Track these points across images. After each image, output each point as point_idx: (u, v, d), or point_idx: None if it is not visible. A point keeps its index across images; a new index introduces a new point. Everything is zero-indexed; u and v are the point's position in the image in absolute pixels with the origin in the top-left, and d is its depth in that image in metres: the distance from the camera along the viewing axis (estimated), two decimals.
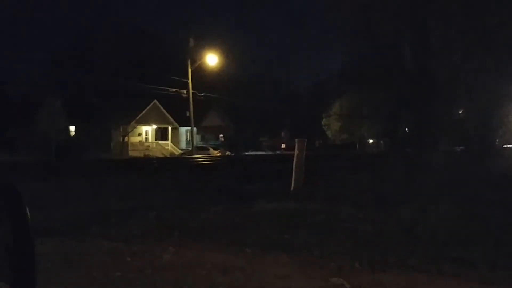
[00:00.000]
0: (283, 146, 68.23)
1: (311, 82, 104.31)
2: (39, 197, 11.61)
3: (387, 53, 16.20)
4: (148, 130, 58.15)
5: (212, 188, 15.81)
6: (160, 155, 51.23)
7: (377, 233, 8.46)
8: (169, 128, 58.66)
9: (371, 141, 67.16)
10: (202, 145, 58.52)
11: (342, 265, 6.51)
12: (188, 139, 58.37)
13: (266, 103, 65.46)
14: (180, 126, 59.42)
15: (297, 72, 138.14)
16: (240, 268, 6.35)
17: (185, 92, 47.01)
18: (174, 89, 46.87)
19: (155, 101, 55.04)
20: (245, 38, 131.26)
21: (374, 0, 15.82)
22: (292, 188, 14.66)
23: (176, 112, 55.78)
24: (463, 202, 10.74)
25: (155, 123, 57.31)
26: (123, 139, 54.58)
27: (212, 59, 46.82)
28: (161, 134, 58.54)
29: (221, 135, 70.27)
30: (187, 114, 48.34)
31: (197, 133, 60.10)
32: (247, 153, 57.15)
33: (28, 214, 1.74)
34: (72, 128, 54.37)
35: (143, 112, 55.20)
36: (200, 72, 48.88)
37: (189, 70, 46.52)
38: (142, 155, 50.83)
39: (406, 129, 17.37)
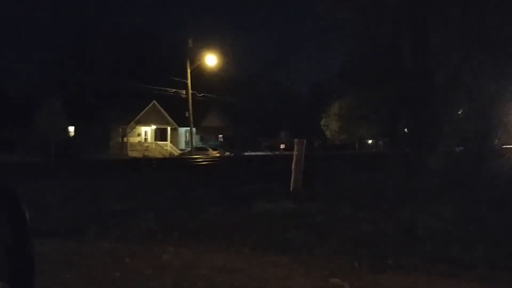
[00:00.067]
0: (282, 146, 68.29)
1: (310, 83, 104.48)
2: (39, 198, 11.62)
3: (386, 53, 16.20)
4: (147, 131, 58.17)
5: (211, 189, 15.80)
6: (159, 156, 51.24)
7: (376, 233, 8.45)
8: (168, 128, 58.67)
9: (370, 141, 67.20)
10: (201, 146, 58.55)
11: (342, 265, 6.50)
12: (187, 140, 58.36)
13: (265, 103, 65.51)
14: (179, 126, 59.44)
15: (297, 72, 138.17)
16: (239, 269, 6.34)
17: (184, 92, 47.04)
18: (174, 90, 46.92)
19: (154, 101, 55.07)
20: (244, 38, 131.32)
21: (373, 0, 15.82)
22: (291, 189, 14.65)
23: (176, 113, 55.80)
24: (462, 203, 10.74)
25: (154, 124, 57.32)
26: (123, 139, 54.60)
27: (211, 60, 46.88)
28: (160, 135, 58.56)
29: (220, 136, 70.30)
30: (186, 115, 48.37)
31: (196, 133, 60.13)
32: (246, 154, 57.17)
33: (27, 214, 1.73)
34: (71, 129, 54.40)
35: (143, 112, 55.21)
36: (200, 73, 48.93)
37: (188, 71, 46.54)
38: (141, 156, 50.79)
39: (406, 129, 17.37)
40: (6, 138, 45.91)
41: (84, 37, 62.18)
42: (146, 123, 56.41)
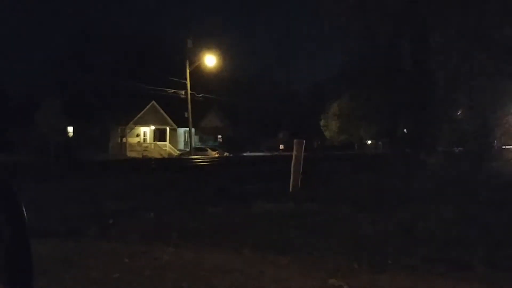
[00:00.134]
0: (281, 147, 68.25)
1: (310, 83, 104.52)
2: (38, 198, 11.60)
3: (386, 54, 16.21)
4: (146, 131, 58.15)
5: (211, 189, 15.80)
6: (158, 156, 51.25)
7: (376, 233, 8.45)
8: (167, 129, 58.65)
9: (369, 141, 67.20)
10: (200, 146, 58.54)
11: (341, 266, 6.49)
12: (186, 140, 58.35)
13: (264, 103, 65.53)
14: (179, 127, 59.42)
15: (296, 72, 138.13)
16: (239, 269, 6.33)
17: (183, 92, 47.06)
18: (173, 90, 46.93)
19: (153, 102, 55.04)
20: (244, 38, 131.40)
21: (374, 0, 15.83)
22: (290, 189, 14.65)
23: (175, 113, 55.78)
24: (462, 203, 10.73)
25: (154, 124, 57.30)
26: (122, 139, 54.59)
27: (210, 60, 46.89)
28: (159, 135, 58.53)
29: (219, 136, 70.29)
30: (186, 115, 48.38)
31: (195, 134, 60.14)
32: (245, 154, 57.17)
33: (25, 215, 1.72)
34: (70, 129, 54.37)
35: (142, 113, 55.19)
36: (199, 73, 48.93)
37: (187, 71, 46.56)
38: (140, 156, 50.84)
39: (405, 129, 17.37)
40: (5, 138, 45.92)
41: (84, 37, 62.18)
42: (145, 123, 56.40)
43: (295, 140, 15.65)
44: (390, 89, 16.27)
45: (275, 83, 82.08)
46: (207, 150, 55.13)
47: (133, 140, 56.03)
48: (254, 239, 8.16)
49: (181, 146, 62.20)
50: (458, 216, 9.40)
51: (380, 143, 58.30)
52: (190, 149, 50.72)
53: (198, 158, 43.84)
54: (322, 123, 65.38)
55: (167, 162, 41.42)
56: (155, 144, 56.64)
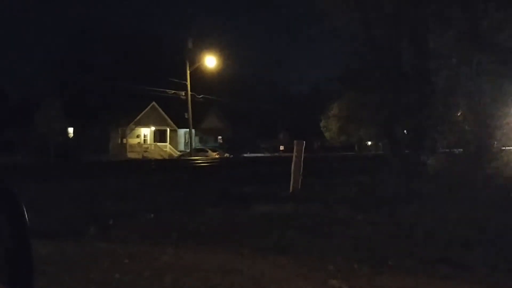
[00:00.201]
0: (281, 148, 68.28)
1: (310, 84, 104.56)
2: (38, 199, 11.61)
3: (386, 55, 16.20)
4: (146, 132, 58.15)
5: (211, 190, 15.80)
6: (159, 157, 51.25)
7: (376, 235, 8.46)
8: (168, 130, 58.65)
9: (369, 143, 67.18)
10: (200, 147, 58.53)
11: (341, 267, 6.50)
12: (187, 141, 58.34)
13: (264, 104, 65.54)
14: (179, 128, 59.42)
15: (296, 73, 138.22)
16: (239, 270, 6.34)
17: (183, 93, 47.07)
18: (173, 91, 46.95)
19: (153, 103, 55.05)
20: (244, 39, 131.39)
21: (373, 2, 15.83)
22: (290, 190, 14.67)
23: (175, 114, 55.78)
24: (462, 204, 10.74)
25: (154, 125, 57.31)
26: (122, 140, 54.59)
27: (211, 61, 46.91)
28: (159, 136, 58.53)
29: (220, 137, 70.31)
30: (186, 116, 48.38)
31: (196, 135, 60.15)
32: (245, 155, 57.18)
33: (26, 216, 1.73)
34: (70, 130, 54.37)
35: (142, 114, 55.19)
36: (199, 74, 48.93)
37: (188, 72, 46.58)
38: (141, 157, 50.85)
39: (405, 131, 17.36)
40: (5, 139, 45.93)
41: (84, 37, 62.22)
42: (146, 124, 56.40)
43: (295, 141, 15.67)
44: (389, 91, 16.27)
45: (275, 84, 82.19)
46: (207, 151, 55.14)
47: (133, 141, 56.03)
48: (254, 239, 8.17)
49: (182, 147, 62.21)
50: (458, 217, 9.41)
51: (380, 144, 58.25)
52: (191, 150, 50.74)
53: (198, 159, 43.86)
54: (322, 124, 65.37)
55: (167, 163, 41.44)
56: (155, 145, 56.65)
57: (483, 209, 10.20)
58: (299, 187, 14.86)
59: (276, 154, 61.76)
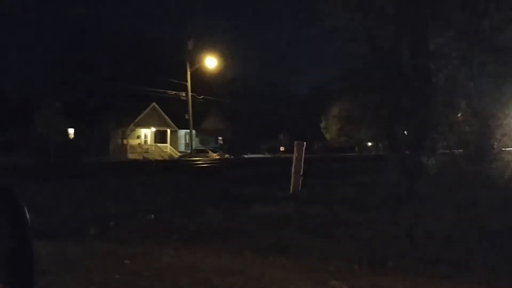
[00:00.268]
0: (282, 148, 68.28)
1: (310, 85, 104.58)
2: (38, 199, 11.61)
3: (386, 56, 16.21)
4: (147, 133, 58.14)
5: (211, 191, 15.82)
6: (159, 158, 51.24)
7: (376, 235, 8.46)
8: (168, 130, 58.64)
9: (370, 143, 67.20)
10: (201, 148, 58.52)
11: (342, 267, 6.50)
12: (187, 142, 58.32)
13: (265, 105, 65.53)
14: (179, 128, 59.41)
15: (296, 74, 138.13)
16: (239, 271, 6.34)
17: (184, 94, 47.05)
18: (173, 92, 46.92)
19: (154, 103, 55.06)
20: (245, 40, 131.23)
21: (373, 2, 15.84)
22: (291, 191, 14.69)
23: (175, 115, 55.76)
24: (461, 205, 10.74)
25: (154, 126, 57.30)
26: (122, 141, 54.60)
27: (211, 62, 46.89)
28: (160, 137, 58.51)
29: (220, 138, 70.30)
30: (186, 117, 48.35)
31: (196, 135, 60.10)
32: (246, 156, 57.17)
33: (27, 216, 1.73)
34: (71, 131, 54.37)
35: (142, 114, 55.20)
36: (199, 75, 48.91)
37: (188, 73, 46.57)
38: (141, 158, 50.84)
39: (405, 132, 17.37)
40: (5, 140, 45.93)
41: (84, 38, 62.21)
42: (146, 125, 56.40)
43: (295, 142, 15.69)
44: (389, 92, 16.27)
45: (276, 85, 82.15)
46: (207, 152, 55.13)
47: (134, 142, 56.02)
48: (254, 240, 8.17)
49: (182, 148, 62.18)
50: (458, 218, 9.41)
51: (380, 145, 58.27)
52: (191, 151, 50.72)
53: (199, 159, 43.85)
54: (322, 125, 65.43)
55: (167, 164, 41.42)
56: (155, 146, 56.63)
57: (483, 210, 10.20)
58: (300, 187, 14.88)
59: (277, 155, 61.72)
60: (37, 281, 1.74)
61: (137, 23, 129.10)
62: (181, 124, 56.35)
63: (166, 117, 57.36)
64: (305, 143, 15.62)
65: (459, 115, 15.84)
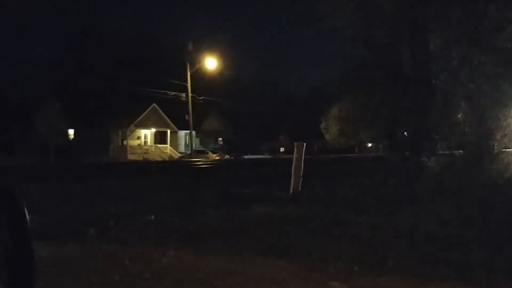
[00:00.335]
0: (282, 149, 68.23)
1: (310, 85, 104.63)
2: (38, 200, 11.61)
3: (386, 57, 16.21)
4: (147, 134, 58.09)
5: (211, 192, 15.80)
6: (159, 159, 51.22)
7: (376, 236, 8.46)
8: (168, 131, 58.61)
9: (369, 144, 67.17)
10: (201, 149, 58.49)
11: (342, 268, 6.50)
12: (187, 143, 58.30)
13: (265, 106, 65.52)
14: (179, 129, 59.38)
15: (297, 75, 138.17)
16: (239, 272, 6.34)
17: (184, 95, 47.04)
18: (173, 93, 46.91)
19: (154, 104, 55.03)
20: (245, 41, 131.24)
21: (373, 3, 15.84)
22: (291, 192, 14.68)
23: (175, 116, 55.73)
24: (462, 206, 10.74)
25: (154, 127, 57.28)
26: (122, 142, 54.59)
27: (211, 63, 46.88)
28: (160, 138, 58.47)
29: (220, 139, 70.26)
30: (186, 118, 48.34)
31: (196, 136, 60.07)
32: (246, 157, 57.15)
33: (27, 217, 1.73)
34: (71, 131, 54.36)
35: (142, 115, 55.16)
36: (200, 76, 48.90)
37: (188, 74, 46.56)
38: (141, 159, 50.83)
39: (405, 132, 17.36)
40: (5, 141, 45.92)
41: (84, 39, 62.17)
42: (146, 126, 56.37)
43: (295, 143, 15.69)
44: (389, 93, 16.28)
45: (275, 86, 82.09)
46: (207, 153, 55.12)
47: (134, 142, 55.99)
48: (254, 241, 8.17)
49: (182, 148, 62.14)
50: (458, 219, 9.41)
51: (380, 146, 58.25)
52: (191, 152, 50.69)
53: (199, 160, 43.84)
54: (322, 126, 65.37)
55: (167, 165, 41.42)
56: (155, 147, 56.61)
57: (483, 211, 10.19)
58: (300, 188, 14.87)
59: (277, 156, 61.70)
60: (37, 281, 1.74)
61: (137, 23, 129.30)
62: (181, 125, 56.33)
63: (166, 118, 57.33)
64: (305, 144, 15.61)
65: (459, 115, 15.83)
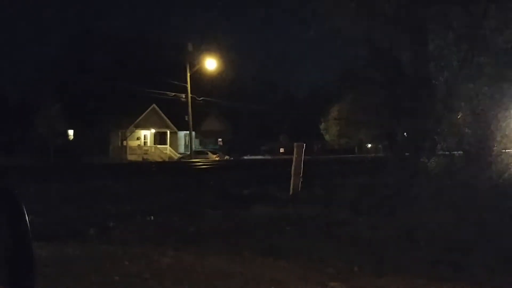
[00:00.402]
0: (282, 150, 68.21)
1: (309, 86, 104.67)
2: (37, 201, 11.59)
3: (386, 57, 16.20)
4: (146, 134, 58.10)
5: (211, 192, 15.79)
6: (159, 159, 51.22)
7: (376, 237, 8.46)
8: (168, 132, 58.63)
9: (369, 145, 67.19)
10: (200, 149, 58.49)
11: (341, 269, 6.50)
12: (187, 143, 58.28)
13: (264, 107, 65.52)
14: (179, 130, 59.39)
15: (296, 76, 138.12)
16: (238, 272, 6.34)
17: (184, 96, 47.05)
18: (173, 93, 46.93)
19: (154, 105, 55.04)
20: (244, 42, 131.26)
21: (373, 4, 15.84)
22: (290, 192, 14.67)
23: (175, 116, 55.74)
24: (461, 207, 10.73)
25: (154, 127, 57.28)
26: (122, 143, 54.58)
27: (211, 64, 46.88)
28: (159, 138, 58.48)
29: (220, 139, 70.25)
30: (186, 118, 48.35)
31: (196, 137, 60.08)
32: (245, 157, 57.16)
33: (27, 217, 1.73)
34: (70, 132, 54.36)
35: (142, 116, 55.16)
36: (199, 76, 48.93)
37: (188, 75, 46.57)
38: (141, 159, 50.83)
39: (405, 133, 17.35)
40: (5, 140, 45.90)
41: (84, 39, 62.14)
42: (146, 126, 56.36)
43: (295, 144, 15.69)
44: (389, 93, 16.27)
45: (274, 87, 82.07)
46: (207, 154, 55.09)
47: (134, 143, 55.98)
48: (254, 241, 8.17)
49: (182, 149, 62.13)
50: (457, 220, 9.40)
51: (380, 146, 58.24)
52: (191, 153, 50.69)
53: (199, 161, 43.83)
54: (322, 126, 65.38)
55: (167, 165, 41.44)
56: (155, 148, 56.61)
57: (483, 212, 10.19)
58: (299, 189, 14.86)
59: (277, 156, 61.68)
60: (37, 281, 1.74)
61: (137, 24, 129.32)
62: (181, 125, 56.34)
63: (165, 118, 57.34)
64: (304, 144, 15.61)
65: (459, 116, 15.82)
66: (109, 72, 52.79)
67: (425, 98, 15.43)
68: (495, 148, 15.10)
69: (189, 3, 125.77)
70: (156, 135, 58.40)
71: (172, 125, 58.13)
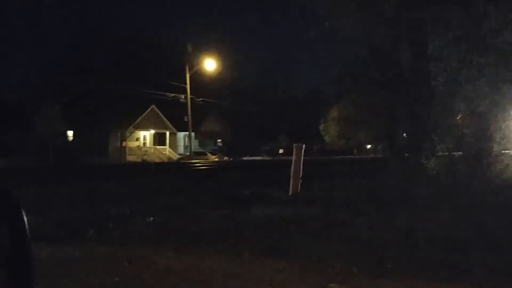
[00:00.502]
0: (281, 151, 68.19)
1: (309, 87, 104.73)
2: (37, 202, 11.59)
3: (385, 58, 16.21)
4: (146, 135, 58.04)
5: (210, 193, 15.79)
6: (158, 160, 51.16)
7: (375, 238, 8.45)
8: (167, 133, 58.56)
9: (369, 146, 67.18)
10: (200, 150, 58.42)
11: (340, 270, 6.49)
12: (186, 144, 58.20)
13: (264, 108, 65.53)
14: (178, 131, 59.32)
15: (296, 76, 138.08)
16: (238, 273, 6.33)
17: (183, 97, 47.01)
18: (173, 94, 46.88)
19: (153, 106, 54.99)
20: (244, 43, 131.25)
21: (373, 4, 15.84)
22: (290, 193, 14.68)
23: (174, 117, 55.67)
24: (461, 208, 10.73)
25: (153, 128, 57.24)
26: (121, 144, 54.54)
27: (210, 65, 46.85)
28: (159, 139, 58.40)
29: (219, 140, 70.18)
30: (185, 119, 48.31)
31: (195, 138, 60.00)
32: (245, 158, 57.12)
33: (26, 218, 1.72)
34: (70, 133, 54.31)
35: (141, 117, 55.10)
36: (199, 77, 48.91)
37: (187, 75, 46.54)
38: (140, 160, 50.77)
39: (404, 134, 17.36)
40: (4, 142, 45.86)
41: (83, 41, 62.13)
42: (145, 127, 56.31)
43: (294, 145, 15.70)
44: (388, 94, 16.27)
45: (274, 88, 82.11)
46: (206, 154, 55.01)
47: (133, 144, 55.92)
48: (253, 242, 8.16)
49: (181, 150, 62.06)
50: (457, 220, 9.40)
51: (379, 147, 58.27)
52: (190, 153, 50.63)
53: (198, 162, 43.79)
54: (321, 127, 65.30)
55: (166, 166, 41.39)
56: (154, 148, 56.53)
57: (482, 213, 10.19)
58: (299, 189, 14.87)
59: (276, 157, 61.64)
60: (36, 283, 1.73)
61: (136, 25, 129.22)
62: (180, 126, 56.26)
63: (165, 119, 57.28)
64: (304, 145, 15.61)
65: (458, 117, 15.84)
66: (109, 72, 52.77)
67: (425, 98, 15.44)
68: (494, 148, 15.11)
69: (189, 3, 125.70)
70: (155, 136, 58.36)
71: (171, 126, 58.07)
